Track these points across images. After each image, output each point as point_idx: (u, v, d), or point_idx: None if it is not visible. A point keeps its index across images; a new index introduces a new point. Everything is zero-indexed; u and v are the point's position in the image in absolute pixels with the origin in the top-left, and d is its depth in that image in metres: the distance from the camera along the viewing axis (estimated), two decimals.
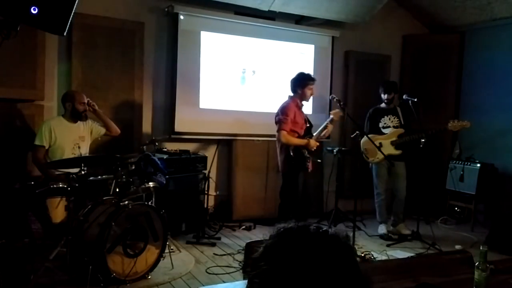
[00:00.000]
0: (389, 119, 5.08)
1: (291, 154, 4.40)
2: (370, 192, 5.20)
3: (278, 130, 4.45)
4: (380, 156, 4.79)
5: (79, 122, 4.13)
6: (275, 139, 4.72)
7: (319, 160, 4.54)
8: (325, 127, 4.68)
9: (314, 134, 4.66)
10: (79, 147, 4.06)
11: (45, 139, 3.94)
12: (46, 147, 3.97)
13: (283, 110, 4.47)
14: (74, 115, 4.06)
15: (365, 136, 4.83)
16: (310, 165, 4.53)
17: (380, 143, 4.89)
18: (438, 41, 6.52)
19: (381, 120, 5.09)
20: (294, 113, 4.48)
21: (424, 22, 6.66)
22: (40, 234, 3.64)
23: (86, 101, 4.09)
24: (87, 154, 4.15)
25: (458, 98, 6.43)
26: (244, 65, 5.53)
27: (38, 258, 3.41)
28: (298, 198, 4.59)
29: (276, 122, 4.51)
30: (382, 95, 5.11)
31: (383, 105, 5.14)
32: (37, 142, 3.95)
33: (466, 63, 6.38)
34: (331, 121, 4.71)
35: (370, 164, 5.11)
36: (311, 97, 4.74)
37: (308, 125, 4.66)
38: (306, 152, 4.47)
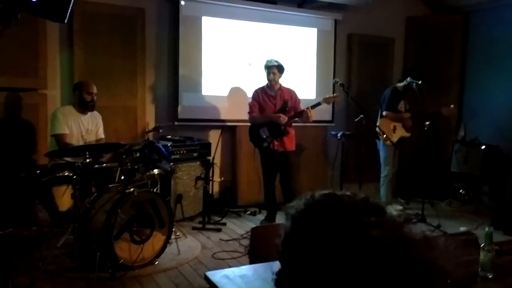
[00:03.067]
0: (403, 103, 5.18)
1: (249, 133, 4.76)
2: (374, 175, 5.21)
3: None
4: (394, 139, 4.95)
5: (88, 114, 4.11)
6: None
7: (276, 142, 4.59)
8: (302, 111, 4.60)
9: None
10: (84, 140, 4.05)
11: (63, 127, 3.89)
12: (69, 133, 3.92)
13: (252, 96, 4.82)
14: (81, 104, 4.04)
15: (383, 118, 5.07)
16: (276, 144, 4.60)
17: (395, 126, 5.07)
18: (442, 22, 6.43)
19: (399, 104, 5.17)
20: (259, 98, 4.72)
21: (428, 3, 6.57)
22: (47, 222, 3.68)
23: (94, 91, 4.05)
24: None
25: (463, 79, 6.37)
26: (246, 50, 5.49)
27: (46, 246, 3.45)
28: (269, 177, 4.72)
29: None
30: (406, 83, 5.04)
31: (399, 86, 5.16)
32: (58, 131, 3.88)
33: (470, 44, 6.30)
34: (315, 106, 4.64)
35: (379, 144, 5.16)
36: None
37: (281, 108, 4.65)
38: (266, 133, 4.60)
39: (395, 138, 4.96)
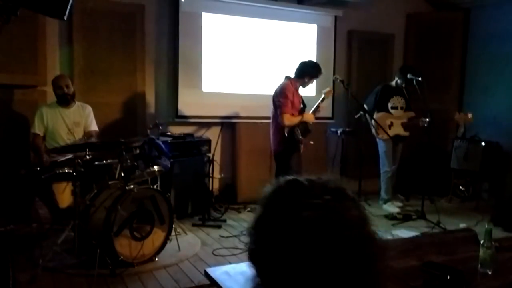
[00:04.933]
0: (398, 100, 5.13)
1: (286, 135, 4.37)
2: (374, 172, 5.21)
3: (281, 114, 4.33)
4: (390, 133, 4.89)
5: (74, 106, 4.09)
6: None
7: (311, 142, 4.53)
8: (318, 107, 4.60)
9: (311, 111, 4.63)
10: (73, 133, 4.03)
11: (38, 127, 3.94)
12: (41, 135, 3.96)
13: (283, 93, 4.35)
14: (58, 99, 4.04)
15: (380, 112, 4.99)
16: (302, 146, 4.49)
17: (392, 122, 5.02)
18: (442, 18, 6.42)
19: (391, 100, 5.13)
20: (293, 95, 4.39)
21: None
22: (48, 219, 3.69)
23: (63, 84, 4.00)
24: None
25: (463, 76, 6.37)
26: (246, 46, 5.48)
27: (46, 243, 3.46)
28: None
29: (276, 105, 4.40)
30: (399, 80, 5.07)
31: (393, 83, 5.16)
32: (32, 130, 3.97)
33: (470, 41, 6.29)
34: (322, 100, 4.64)
35: (377, 141, 5.15)
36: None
37: (302, 106, 4.60)
38: (300, 134, 4.40)
39: (390, 134, 4.92)
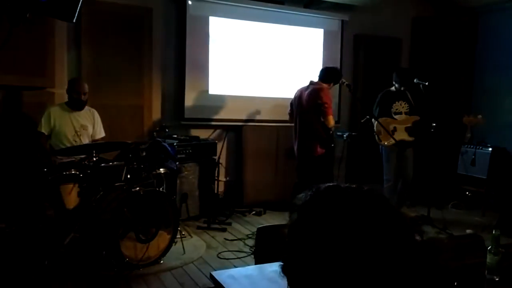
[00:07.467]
0: (400, 104, 5.00)
1: (324, 136, 4.45)
2: (379, 176, 5.18)
3: (328, 115, 4.38)
4: (391, 140, 4.77)
5: (84, 110, 4.09)
6: (284, 124, 4.71)
7: (332, 145, 4.57)
8: None
9: None
10: (79, 136, 4.02)
11: (44, 126, 3.95)
12: (46, 134, 3.97)
13: (327, 96, 4.42)
14: (71, 103, 4.03)
15: (382, 118, 4.86)
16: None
17: (395, 127, 4.89)
18: (450, 23, 6.40)
19: (393, 106, 5.00)
20: None
21: (436, 3, 6.54)
22: (54, 219, 3.70)
23: (82, 91, 3.99)
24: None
25: (471, 81, 6.34)
26: (253, 50, 5.49)
27: (52, 244, 3.47)
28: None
29: (322, 107, 4.40)
30: (396, 85, 4.99)
31: (393, 88, 5.06)
32: (38, 128, 3.98)
33: (478, 46, 6.27)
34: None
35: (381, 148, 5.06)
36: None
37: None
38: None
39: (393, 141, 4.82)
